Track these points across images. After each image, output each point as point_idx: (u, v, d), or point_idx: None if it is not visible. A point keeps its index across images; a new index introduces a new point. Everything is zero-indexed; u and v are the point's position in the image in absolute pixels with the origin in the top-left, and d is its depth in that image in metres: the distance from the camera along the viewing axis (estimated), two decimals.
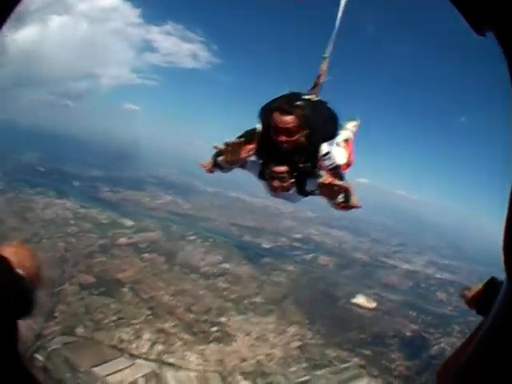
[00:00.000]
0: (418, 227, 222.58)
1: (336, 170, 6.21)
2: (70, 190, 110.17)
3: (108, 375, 51.96)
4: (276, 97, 6.30)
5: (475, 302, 1.99)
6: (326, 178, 5.58)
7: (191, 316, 65.67)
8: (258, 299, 73.10)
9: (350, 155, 7.45)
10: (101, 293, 66.23)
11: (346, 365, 60.69)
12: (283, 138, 5.84)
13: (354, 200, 6.07)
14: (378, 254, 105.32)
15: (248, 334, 63.45)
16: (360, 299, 78.66)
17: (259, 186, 6.77)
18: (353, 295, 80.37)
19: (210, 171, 6.75)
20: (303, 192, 6.58)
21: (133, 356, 56.21)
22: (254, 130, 6.41)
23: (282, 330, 65.90)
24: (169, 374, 55.06)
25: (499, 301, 1.52)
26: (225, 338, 62.34)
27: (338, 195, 5.85)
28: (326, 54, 7.18)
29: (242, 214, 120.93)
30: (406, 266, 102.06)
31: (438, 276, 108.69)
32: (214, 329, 63.83)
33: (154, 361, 56.18)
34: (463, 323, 72.29)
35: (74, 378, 49.79)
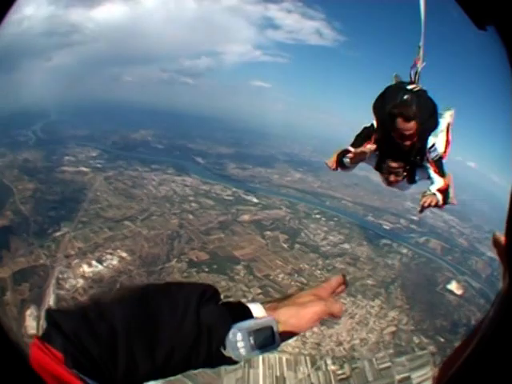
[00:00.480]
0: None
1: (439, 161, 6.91)
2: (193, 166, 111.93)
3: None
4: (388, 94, 6.96)
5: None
6: (441, 182, 6.56)
7: None
8: (369, 281, 72.19)
9: (448, 144, 7.59)
10: (212, 270, 67.22)
11: (422, 352, 59.38)
12: (408, 143, 6.47)
13: (452, 196, 6.88)
14: (475, 240, 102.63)
15: (352, 317, 62.44)
16: (452, 285, 77.56)
17: None
18: (449, 281, 78.78)
19: (334, 169, 7.82)
20: (413, 181, 7.33)
21: None
22: (371, 126, 7.14)
23: (384, 314, 65.00)
24: (260, 356, 54.68)
25: (499, 301, 1.51)
26: (329, 320, 61.27)
27: (448, 196, 6.64)
28: (421, 43, 7.44)
29: (368, 193, 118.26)
30: (489, 254, 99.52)
31: None
32: None
33: None
34: None
35: None
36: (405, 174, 7.00)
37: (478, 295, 76.35)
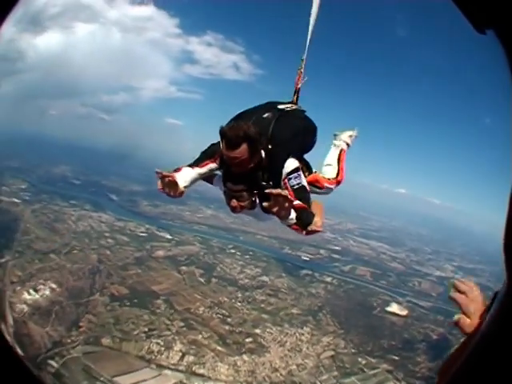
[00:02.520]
0: (451, 234, 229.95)
1: (302, 189, 5.78)
2: (107, 203, 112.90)
3: None
4: (246, 114, 6.29)
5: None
6: (275, 189, 4.90)
7: (226, 328, 66.14)
8: (294, 310, 73.89)
9: (340, 172, 7.32)
10: (133, 304, 67.19)
11: (374, 371, 62.06)
12: (236, 170, 5.60)
13: (317, 222, 5.65)
14: (413, 262, 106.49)
15: (282, 345, 63.80)
16: (393, 307, 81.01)
17: None
18: (387, 304, 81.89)
19: (161, 190, 5.87)
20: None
21: (160, 367, 57.00)
22: (218, 143, 5.86)
23: (316, 340, 66.66)
24: None
25: (499, 301, 1.57)
26: (258, 349, 62.66)
27: (288, 213, 5.24)
28: (304, 56, 7.14)
29: (283, 227, 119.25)
30: (437, 273, 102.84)
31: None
32: (248, 340, 64.19)
33: (183, 372, 56.54)
34: None
35: None
36: (252, 199, 5.90)
37: (431, 313, 79.69)
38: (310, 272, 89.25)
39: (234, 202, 5.76)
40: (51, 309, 60.07)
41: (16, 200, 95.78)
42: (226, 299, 72.99)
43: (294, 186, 5.67)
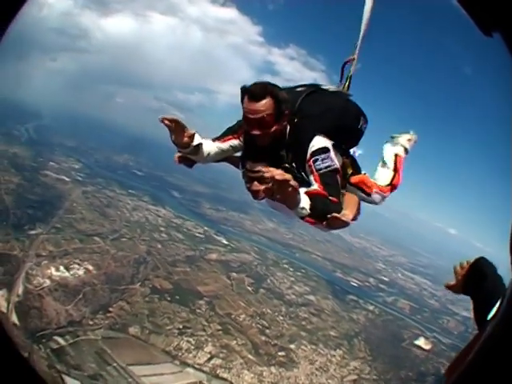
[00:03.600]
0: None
1: (330, 176, 4.53)
2: (168, 199, 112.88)
3: (144, 376, 52.67)
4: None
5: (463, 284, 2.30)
6: (275, 171, 3.72)
7: (262, 338, 65.79)
8: (332, 332, 73.56)
9: (397, 175, 6.22)
10: (174, 300, 67.22)
11: None
12: (256, 132, 4.60)
13: (345, 215, 4.35)
14: (448, 301, 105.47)
15: (311, 364, 63.43)
16: (421, 341, 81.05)
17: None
18: (416, 337, 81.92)
19: (179, 162, 5.46)
20: None
21: (184, 364, 56.88)
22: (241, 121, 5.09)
23: (345, 363, 66.56)
24: None
25: (506, 300, 1.54)
26: (288, 363, 62.40)
27: (294, 201, 4.06)
28: (358, 42, 6.19)
29: (339, 251, 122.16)
30: (464, 313, 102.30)
31: None
32: (281, 353, 63.99)
33: (206, 373, 56.38)
34: None
35: (98, 369, 50.93)
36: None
37: (448, 349, 78.80)
38: (355, 298, 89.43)
39: (256, 185, 4.70)
40: (80, 289, 60.90)
41: (65, 178, 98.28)
42: (269, 311, 72.69)
43: (320, 169, 4.47)
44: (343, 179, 5.13)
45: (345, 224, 4.16)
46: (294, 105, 4.82)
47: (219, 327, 64.42)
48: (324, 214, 4.09)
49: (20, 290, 56.39)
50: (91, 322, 57.11)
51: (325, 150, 4.57)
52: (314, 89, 5.29)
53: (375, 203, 5.82)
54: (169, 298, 66.98)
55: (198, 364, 56.88)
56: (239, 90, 4.57)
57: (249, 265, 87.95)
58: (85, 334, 54.78)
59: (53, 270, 61.95)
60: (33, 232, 68.63)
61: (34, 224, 70.66)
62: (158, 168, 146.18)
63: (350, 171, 5.44)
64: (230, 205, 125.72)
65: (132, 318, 60.24)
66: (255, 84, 4.58)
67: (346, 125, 5.12)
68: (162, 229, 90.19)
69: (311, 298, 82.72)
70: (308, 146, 4.60)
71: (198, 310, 66.76)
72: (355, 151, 5.85)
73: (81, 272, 64.51)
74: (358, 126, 5.30)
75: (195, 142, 4.89)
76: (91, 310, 58.78)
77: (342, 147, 5.17)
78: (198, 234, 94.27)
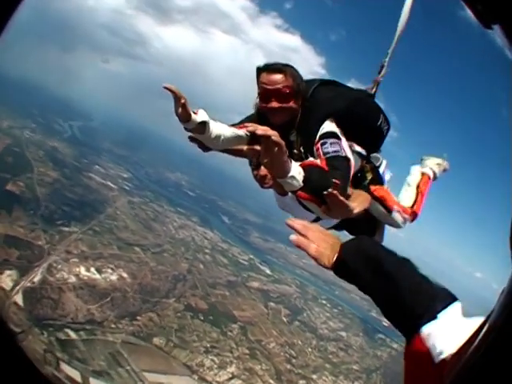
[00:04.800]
0: None
1: (337, 160, 4.00)
2: (217, 223, 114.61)
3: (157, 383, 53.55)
4: None
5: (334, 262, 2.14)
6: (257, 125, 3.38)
7: (287, 366, 66.42)
8: (354, 366, 74.68)
9: (419, 198, 5.84)
10: (207, 320, 68.45)
11: None
12: (274, 104, 4.38)
13: (351, 207, 3.71)
14: None
15: None
16: None
17: None
18: None
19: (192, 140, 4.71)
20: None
21: (203, 380, 57.55)
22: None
23: None
24: None
25: (504, 297, 1.48)
26: None
27: (280, 165, 3.47)
28: (390, 49, 5.73)
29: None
30: None
31: None
32: (302, 382, 64.79)
33: None
34: None
35: (107, 368, 51.83)
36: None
37: None
38: (383, 336, 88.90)
39: (263, 170, 4.56)
40: (109, 293, 61.96)
41: (111, 184, 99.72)
42: (300, 342, 73.78)
43: (328, 152, 4.07)
44: (360, 184, 4.91)
45: (344, 207, 3.53)
46: (308, 91, 4.59)
47: (247, 351, 65.33)
48: (319, 188, 3.45)
49: (37, 278, 58.20)
50: (113, 325, 58.47)
51: (335, 134, 4.26)
52: (331, 81, 5.10)
53: (396, 224, 5.47)
54: (202, 318, 68.15)
55: (217, 382, 57.68)
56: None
57: (288, 297, 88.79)
58: (103, 335, 56.12)
59: (82, 269, 63.74)
60: (66, 229, 70.45)
61: (69, 222, 72.59)
62: (210, 191, 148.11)
63: (369, 176, 5.05)
64: (278, 236, 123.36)
65: (159, 330, 61.51)
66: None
67: (362, 116, 4.78)
68: (207, 251, 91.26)
69: (343, 334, 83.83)
70: (318, 130, 4.33)
71: (230, 333, 67.90)
72: (385, 172, 5.33)
73: (113, 277, 65.91)
74: (377, 122, 4.91)
75: (199, 119, 4.27)
76: (117, 314, 60.20)
77: (360, 145, 4.83)
78: (242, 261, 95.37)
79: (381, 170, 5.20)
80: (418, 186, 5.97)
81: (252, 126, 3.22)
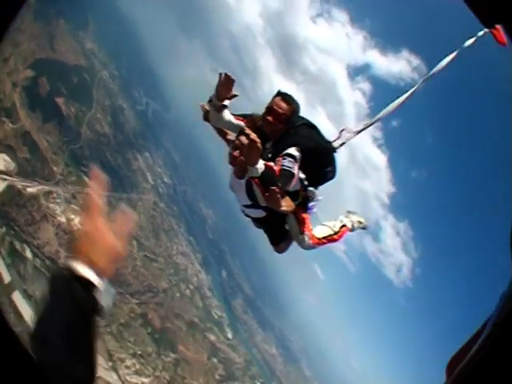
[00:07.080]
0: None
1: (286, 174, 5.65)
2: (214, 272, 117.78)
3: None
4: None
5: None
6: (253, 133, 5.21)
7: None
8: None
9: (334, 237, 7.23)
10: (152, 335, 73.81)
11: None
12: (270, 118, 6.06)
13: (285, 205, 5.74)
14: None
15: None
16: None
17: None
18: None
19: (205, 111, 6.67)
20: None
21: (114, 371, 62.27)
22: (256, 116, 6.48)
23: None
24: None
25: (506, 297, 1.53)
26: None
27: (252, 157, 5.34)
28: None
29: None
30: None
31: None
32: None
33: None
34: None
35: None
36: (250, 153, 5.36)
37: None
38: None
39: (237, 153, 5.85)
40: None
41: (149, 178, 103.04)
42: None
43: (284, 165, 5.67)
44: (292, 201, 6.22)
45: (276, 201, 5.35)
46: (296, 123, 6.26)
47: (167, 378, 70.96)
48: (268, 183, 5.32)
49: (31, 189, 62.38)
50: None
51: (294, 157, 5.83)
52: (314, 125, 6.53)
53: (302, 244, 6.92)
54: (149, 331, 73.05)
55: (125, 379, 63.79)
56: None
57: (232, 363, 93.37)
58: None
59: (76, 220, 64.66)
60: (85, 178, 71.15)
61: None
62: (227, 242, 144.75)
63: (299, 199, 6.48)
64: (257, 315, 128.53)
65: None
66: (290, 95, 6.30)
67: (319, 158, 6.39)
68: (191, 286, 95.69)
69: None
70: (286, 149, 5.92)
71: (163, 357, 73.03)
72: (314, 206, 6.84)
73: None
74: (326, 168, 6.59)
75: (227, 103, 6.18)
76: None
77: (306, 177, 6.40)
78: (214, 314, 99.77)
79: (311, 202, 6.72)
80: (338, 230, 7.24)
81: (248, 130, 5.29)
